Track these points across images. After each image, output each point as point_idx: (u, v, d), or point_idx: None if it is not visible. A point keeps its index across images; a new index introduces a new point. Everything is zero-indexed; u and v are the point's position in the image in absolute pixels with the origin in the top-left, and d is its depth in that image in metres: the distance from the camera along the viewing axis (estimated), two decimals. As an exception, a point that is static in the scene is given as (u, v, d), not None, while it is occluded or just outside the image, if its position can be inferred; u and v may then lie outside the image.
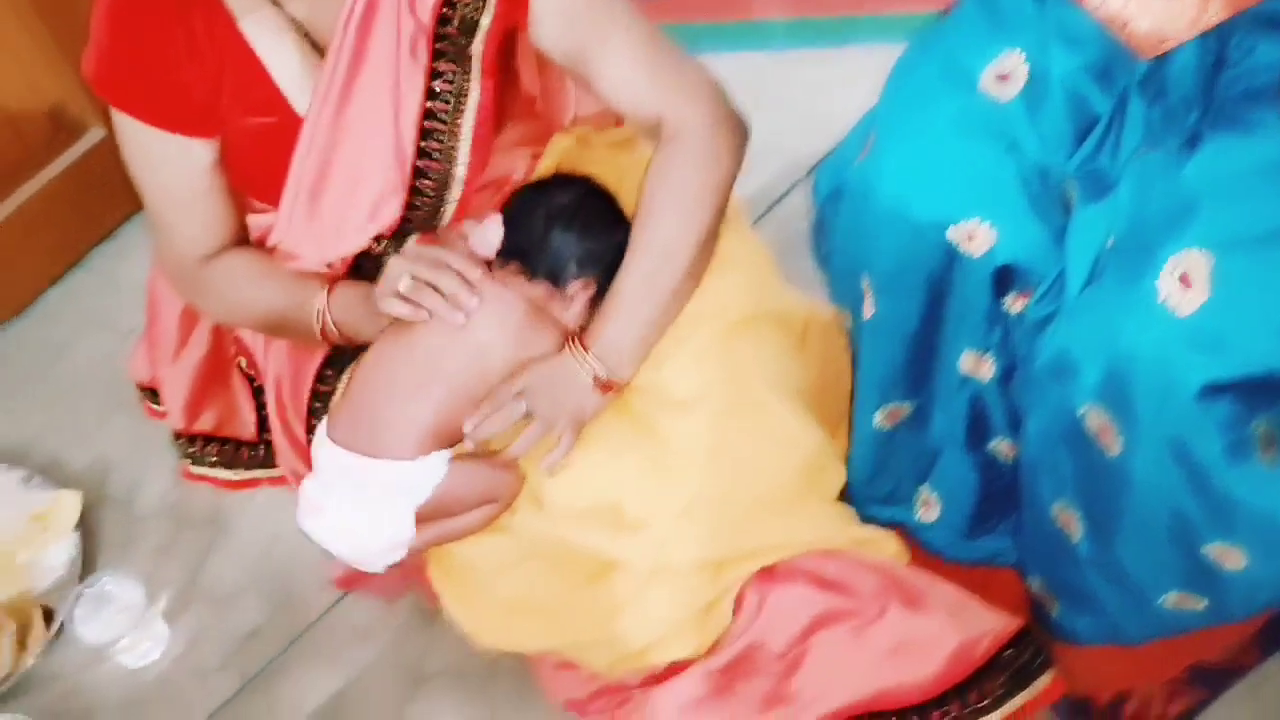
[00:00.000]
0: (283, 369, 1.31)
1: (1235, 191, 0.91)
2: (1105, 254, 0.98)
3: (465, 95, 1.16)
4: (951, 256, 1.06)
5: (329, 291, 1.18)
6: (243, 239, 1.27)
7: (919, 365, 1.16)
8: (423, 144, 1.16)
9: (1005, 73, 1.04)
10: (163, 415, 1.59)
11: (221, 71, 1.14)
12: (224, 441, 1.53)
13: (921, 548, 1.32)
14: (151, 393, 1.60)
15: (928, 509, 1.27)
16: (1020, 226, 1.02)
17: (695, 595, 1.15)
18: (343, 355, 1.27)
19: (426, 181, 1.19)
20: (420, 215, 1.21)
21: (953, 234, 1.04)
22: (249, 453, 1.53)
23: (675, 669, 1.18)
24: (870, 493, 1.29)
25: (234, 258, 1.24)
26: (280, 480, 1.53)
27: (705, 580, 1.16)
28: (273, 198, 1.22)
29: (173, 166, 1.18)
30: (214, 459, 1.53)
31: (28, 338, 1.75)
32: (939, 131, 1.05)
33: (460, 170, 1.18)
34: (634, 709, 1.20)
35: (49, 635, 1.44)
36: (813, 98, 1.86)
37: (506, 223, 1.15)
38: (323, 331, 1.19)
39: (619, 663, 1.20)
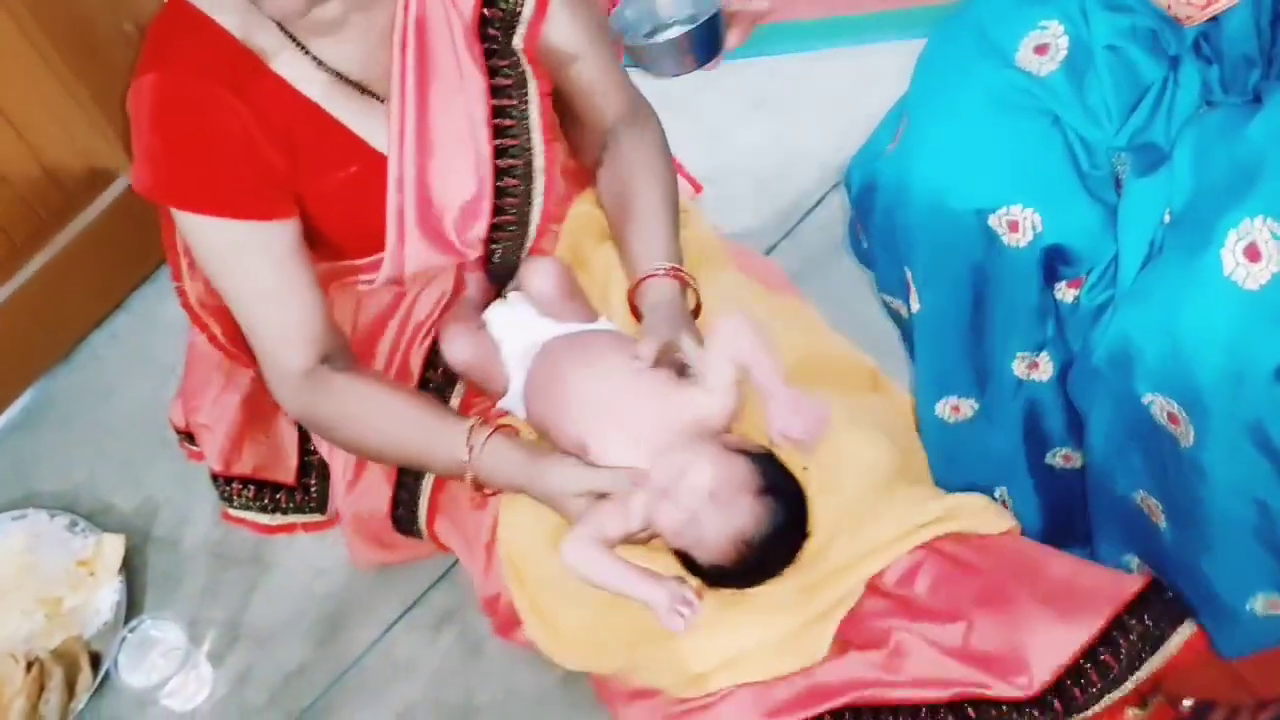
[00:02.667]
0: None
1: (1304, 151, 0.84)
2: (1162, 230, 0.91)
3: (525, 85, 1.23)
4: (995, 246, 1.00)
5: (471, 444, 1.18)
6: (345, 347, 1.25)
7: (973, 360, 1.09)
8: (498, 142, 1.23)
9: (1043, 44, 0.98)
10: (202, 457, 1.58)
11: (293, 137, 1.15)
12: (261, 485, 1.51)
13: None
14: (190, 436, 1.59)
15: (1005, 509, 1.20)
16: (1068, 208, 0.95)
17: (774, 620, 1.14)
18: None
19: (510, 180, 1.25)
20: (509, 227, 1.27)
21: (994, 222, 0.98)
22: (286, 497, 1.51)
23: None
24: (950, 485, 1.22)
25: (355, 385, 1.21)
26: (318, 526, 1.51)
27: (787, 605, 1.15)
28: (371, 244, 1.26)
29: (256, 258, 1.17)
30: (252, 503, 1.51)
31: (73, 383, 1.76)
32: (974, 112, 0.99)
33: (538, 161, 1.25)
34: None
35: (96, 681, 1.42)
36: (845, 100, 1.80)
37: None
38: (471, 482, 1.19)
39: (689, 684, 1.17)
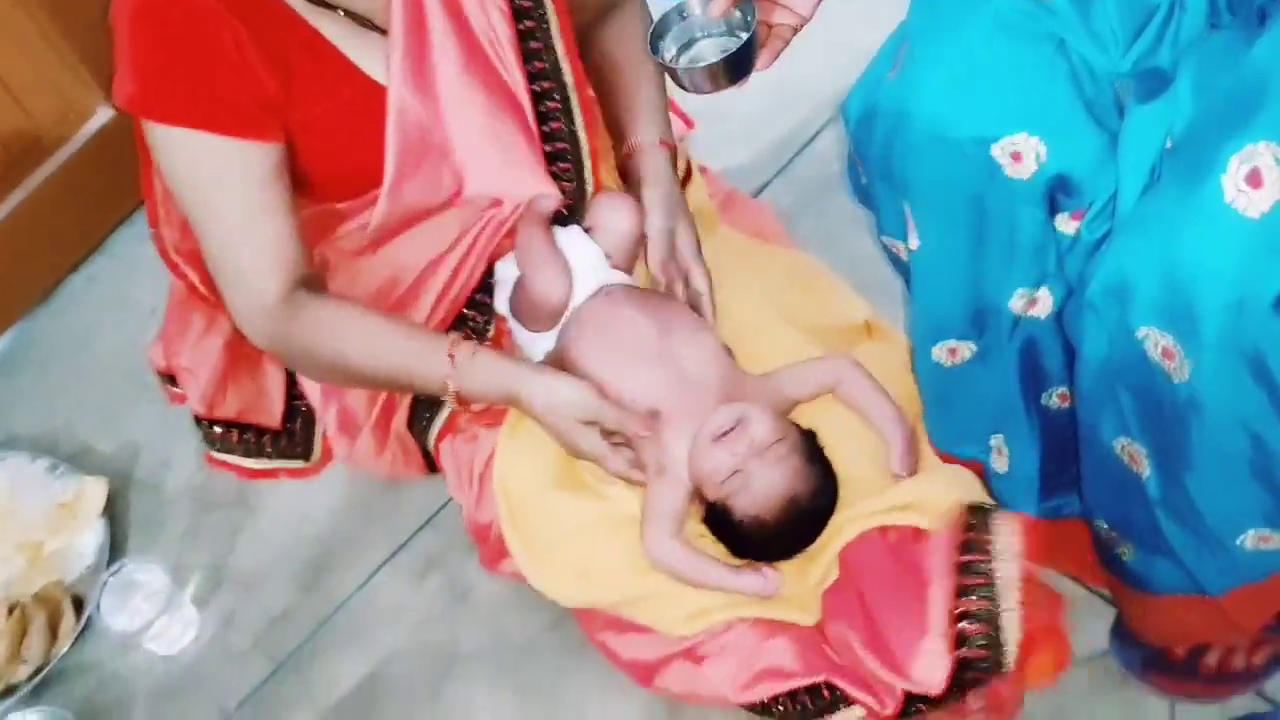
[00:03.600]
0: None
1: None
2: (1163, 157, 0.87)
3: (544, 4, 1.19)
4: (996, 178, 0.96)
5: (453, 354, 1.14)
6: (319, 280, 1.19)
7: (971, 299, 1.06)
8: (528, 66, 1.19)
9: (1046, -35, 0.93)
10: (184, 399, 1.55)
11: (288, 60, 1.10)
12: (245, 428, 1.49)
13: (994, 496, 1.24)
14: (171, 379, 1.57)
15: (1000, 458, 1.18)
16: (1073, 136, 0.92)
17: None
18: None
19: (550, 104, 1.20)
20: (564, 159, 1.23)
21: (997, 152, 0.94)
22: (271, 441, 1.49)
23: (763, 628, 1.16)
24: (944, 432, 1.21)
25: (332, 308, 1.16)
26: (302, 472, 1.49)
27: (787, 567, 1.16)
28: (358, 183, 1.21)
29: (232, 179, 1.10)
30: (235, 446, 1.49)
31: (52, 326, 1.73)
32: (978, 37, 0.95)
33: (569, 78, 1.21)
34: (694, 676, 1.17)
35: (79, 625, 1.41)
36: (841, 32, 1.75)
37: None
38: (454, 397, 1.16)
39: (688, 620, 1.18)
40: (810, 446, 1.20)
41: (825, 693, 1.13)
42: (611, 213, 1.33)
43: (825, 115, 1.72)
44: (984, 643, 1.05)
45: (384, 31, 1.15)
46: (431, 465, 1.42)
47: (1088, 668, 1.24)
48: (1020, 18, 0.94)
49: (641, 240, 1.35)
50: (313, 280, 1.19)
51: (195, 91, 1.07)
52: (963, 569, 1.09)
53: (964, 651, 1.06)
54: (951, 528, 1.12)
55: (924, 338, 1.15)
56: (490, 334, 1.30)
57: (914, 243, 1.07)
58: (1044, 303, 1.04)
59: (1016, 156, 0.94)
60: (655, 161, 1.26)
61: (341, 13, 1.13)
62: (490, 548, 1.34)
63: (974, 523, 1.12)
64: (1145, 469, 0.96)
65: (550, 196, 1.26)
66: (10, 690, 1.38)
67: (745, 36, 1.06)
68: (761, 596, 1.19)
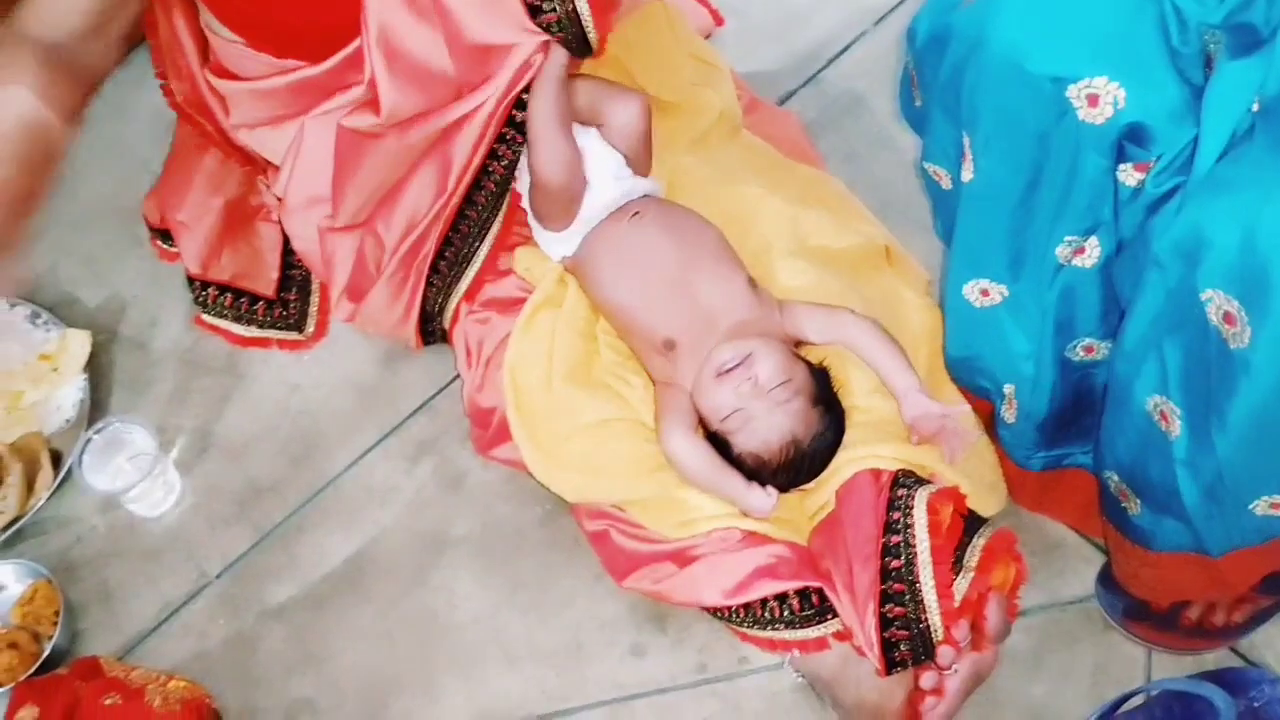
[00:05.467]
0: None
1: None
2: (1250, 118, 0.85)
3: None
4: (1067, 119, 0.94)
5: None
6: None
7: (1018, 241, 1.04)
8: None
9: (1149, -98, 0.89)
10: (175, 257, 1.50)
11: None
12: (239, 293, 1.45)
13: (997, 441, 1.24)
14: (164, 234, 1.52)
15: (1009, 408, 1.18)
16: (1154, 85, 0.89)
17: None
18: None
19: None
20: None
21: (1073, 93, 0.91)
22: (265, 309, 1.45)
23: (753, 539, 1.19)
24: (962, 367, 1.21)
25: None
26: (294, 345, 1.47)
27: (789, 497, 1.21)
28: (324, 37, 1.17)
29: None
30: (227, 310, 1.45)
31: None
32: (1067, -29, 0.91)
33: None
34: (678, 577, 1.20)
35: (57, 479, 1.37)
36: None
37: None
38: None
39: (686, 525, 1.21)
40: (818, 388, 1.20)
41: (815, 599, 1.15)
42: (623, 111, 1.29)
43: (859, 24, 1.66)
44: (903, 625, 1.10)
45: None
46: (427, 337, 1.40)
47: (1071, 611, 1.26)
48: (1113, -44, 0.90)
49: (649, 143, 1.31)
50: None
51: None
52: (886, 550, 1.12)
53: (890, 633, 1.10)
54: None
55: (959, 272, 1.13)
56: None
57: (967, 174, 1.05)
58: (1092, 253, 1.02)
59: (1093, 100, 0.92)
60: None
61: None
62: (488, 433, 1.34)
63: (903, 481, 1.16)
64: (1176, 429, 0.96)
65: (558, 57, 1.19)
66: (-17, 539, 1.34)
67: None
68: (759, 515, 1.20)
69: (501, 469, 1.36)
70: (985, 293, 1.12)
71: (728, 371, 1.18)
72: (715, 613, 1.21)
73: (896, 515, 1.12)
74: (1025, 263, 1.07)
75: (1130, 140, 0.93)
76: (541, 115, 1.21)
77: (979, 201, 1.04)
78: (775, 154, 1.48)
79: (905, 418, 1.20)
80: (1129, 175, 0.95)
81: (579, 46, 1.18)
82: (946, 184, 1.14)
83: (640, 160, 1.32)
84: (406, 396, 1.45)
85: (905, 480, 1.15)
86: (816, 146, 1.55)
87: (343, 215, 1.30)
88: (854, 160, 1.56)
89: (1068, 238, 1.02)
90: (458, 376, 1.42)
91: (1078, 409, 1.17)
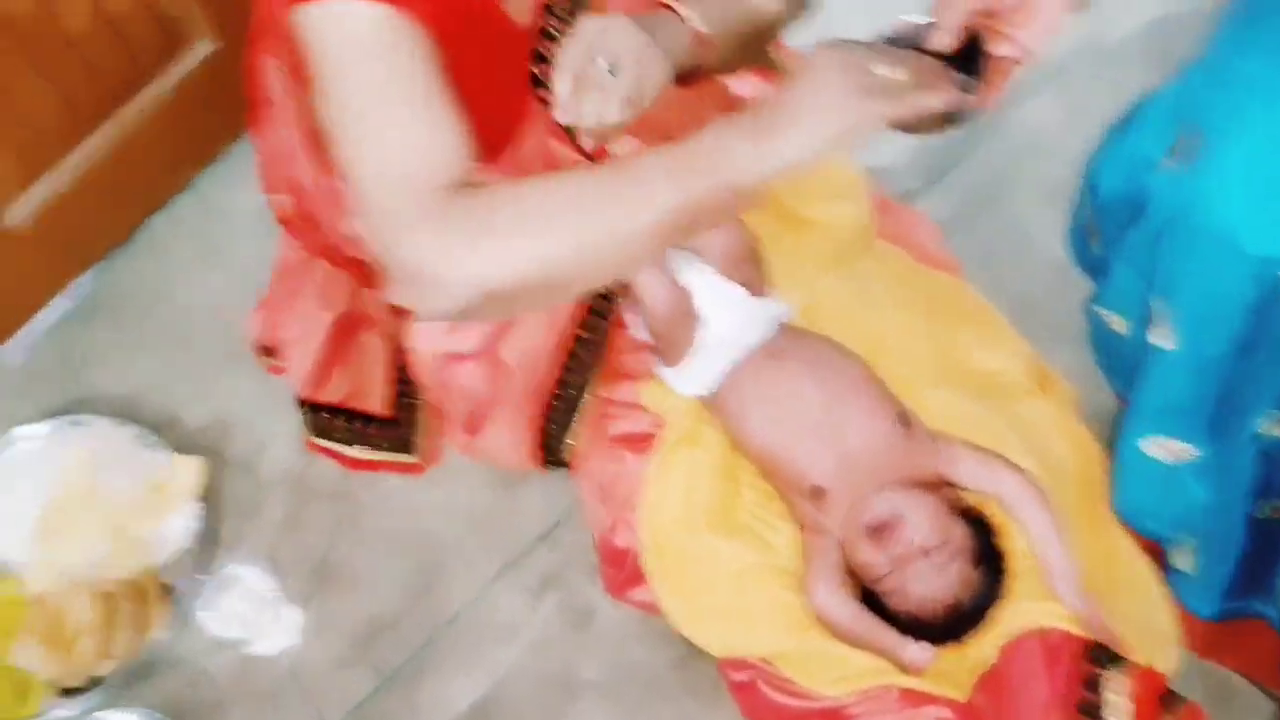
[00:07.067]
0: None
1: None
2: None
3: None
4: (1280, 296, 0.87)
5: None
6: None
7: (1218, 409, 0.97)
8: None
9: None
10: (284, 371, 1.45)
11: None
12: (351, 415, 1.39)
13: (1171, 589, 1.17)
14: (269, 351, 1.46)
15: (1183, 557, 1.11)
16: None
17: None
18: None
19: None
20: None
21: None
22: (377, 429, 1.39)
23: (912, 698, 1.11)
24: (1132, 510, 1.13)
25: (508, 180, 0.87)
26: (408, 468, 1.40)
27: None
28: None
29: (404, 57, 0.88)
30: (338, 433, 1.39)
31: (132, 271, 1.59)
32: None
33: None
34: None
35: (169, 618, 1.32)
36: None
37: None
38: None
39: (840, 681, 1.14)
40: (979, 545, 1.13)
41: None
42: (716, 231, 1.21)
43: (994, 119, 1.59)
44: None
45: None
46: (550, 461, 1.34)
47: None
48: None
49: (754, 251, 1.23)
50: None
51: None
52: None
53: None
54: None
55: (1141, 427, 1.06)
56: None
57: (1163, 340, 0.98)
58: (1288, 423, 0.95)
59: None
60: None
61: None
62: (622, 574, 1.27)
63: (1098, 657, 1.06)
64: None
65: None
66: (96, 682, 1.29)
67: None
68: (915, 672, 1.13)
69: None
70: (1171, 451, 1.05)
71: (878, 531, 1.12)
72: None
73: (1092, 696, 1.04)
74: (1223, 429, 1.00)
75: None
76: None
77: (1180, 370, 0.97)
78: (911, 263, 1.40)
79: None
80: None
81: None
82: (1121, 330, 1.07)
83: (754, 281, 1.24)
84: (526, 524, 1.39)
85: (1098, 655, 1.07)
86: (950, 249, 1.47)
87: (470, 341, 1.25)
88: (990, 264, 1.48)
89: (1268, 412, 0.94)
90: (579, 504, 1.36)
91: (1262, 563, 1.10)
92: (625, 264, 0.90)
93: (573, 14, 1.04)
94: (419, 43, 0.92)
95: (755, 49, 1.12)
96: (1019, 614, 1.13)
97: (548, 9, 1.04)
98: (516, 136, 1.09)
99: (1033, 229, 1.49)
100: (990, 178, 1.55)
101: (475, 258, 0.82)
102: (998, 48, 0.89)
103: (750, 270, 1.23)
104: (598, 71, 0.94)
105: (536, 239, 0.83)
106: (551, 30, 1.04)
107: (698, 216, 0.85)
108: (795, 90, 0.84)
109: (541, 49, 1.02)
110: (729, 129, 0.84)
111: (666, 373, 1.26)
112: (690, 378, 1.24)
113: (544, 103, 1.03)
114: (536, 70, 1.04)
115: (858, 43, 0.86)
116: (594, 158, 1.07)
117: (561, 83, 0.95)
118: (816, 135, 0.84)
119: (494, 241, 0.83)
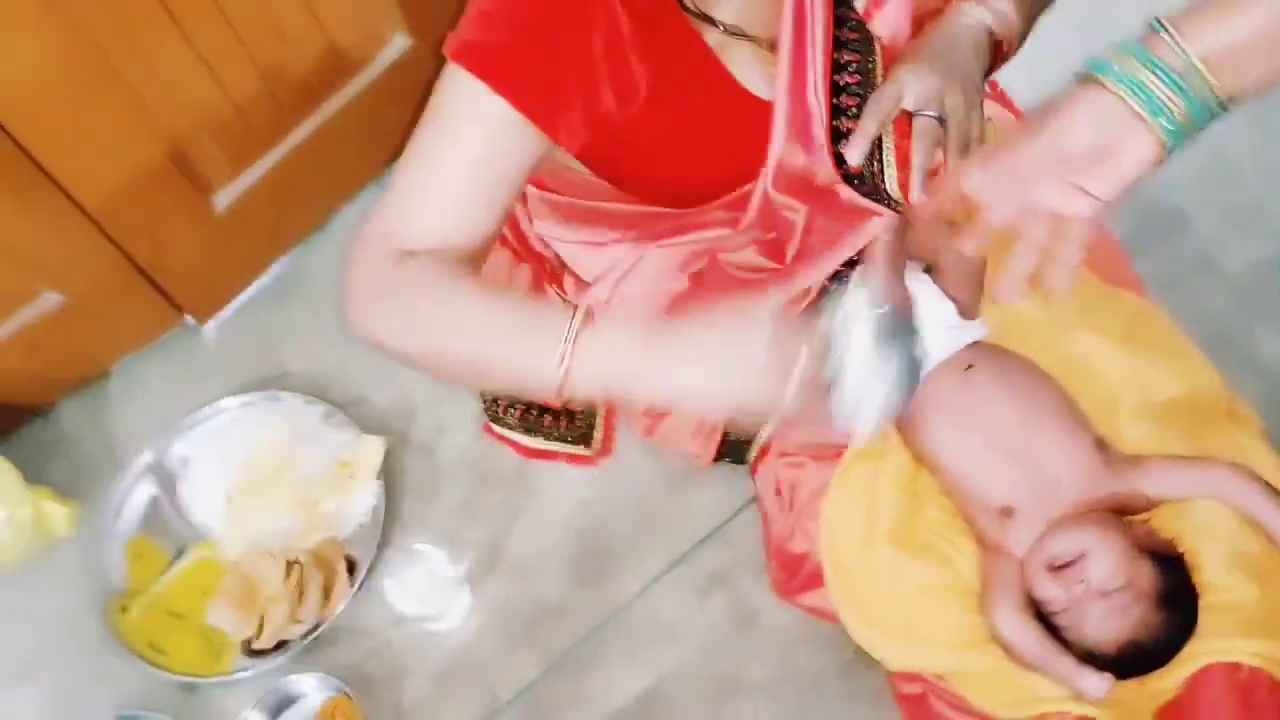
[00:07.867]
0: None
1: None
2: None
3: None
4: None
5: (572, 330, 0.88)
6: (477, 261, 1.00)
7: None
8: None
9: None
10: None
11: (669, 55, 1.04)
12: (528, 405, 1.44)
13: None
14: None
15: None
16: None
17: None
18: None
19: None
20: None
21: None
22: (552, 420, 1.43)
23: None
24: None
25: (451, 272, 0.93)
26: (581, 460, 1.44)
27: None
28: (694, 194, 1.16)
29: (494, 145, 0.97)
30: (516, 422, 1.43)
31: (326, 257, 1.66)
32: None
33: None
34: None
35: (353, 589, 1.38)
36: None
37: None
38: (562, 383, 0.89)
39: (1014, 705, 1.13)
40: (1166, 586, 1.11)
41: None
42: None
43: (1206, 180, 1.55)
44: None
45: (752, 39, 1.09)
46: (730, 457, 1.36)
47: None
48: None
49: (981, 273, 1.24)
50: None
51: (524, 64, 0.96)
52: None
53: None
54: None
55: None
56: None
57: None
58: None
59: None
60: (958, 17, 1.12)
61: (722, 28, 1.07)
62: (796, 579, 1.29)
63: None
64: None
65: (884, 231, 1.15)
66: (282, 646, 1.37)
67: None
68: (1092, 701, 1.12)
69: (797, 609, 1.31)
70: None
71: (1059, 568, 1.11)
72: None
73: None
74: None
75: None
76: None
77: None
78: (1099, 283, 1.38)
79: None
80: None
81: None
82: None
83: (972, 305, 1.24)
84: (695, 521, 1.41)
85: None
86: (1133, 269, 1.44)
87: None
88: (1175, 287, 1.44)
89: None
90: (747, 505, 1.38)
91: None
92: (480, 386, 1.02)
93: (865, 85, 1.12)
94: (528, 148, 0.98)
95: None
96: (1209, 653, 1.11)
97: (837, 87, 1.12)
98: (745, 196, 1.16)
99: (1219, 251, 1.44)
100: (1178, 193, 1.51)
101: (364, 317, 0.94)
102: None
103: (970, 291, 1.23)
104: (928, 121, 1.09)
105: (406, 335, 0.93)
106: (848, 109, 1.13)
107: (527, 387, 0.92)
108: (718, 329, 0.88)
109: (838, 125, 1.12)
110: (636, 331, 0.89)
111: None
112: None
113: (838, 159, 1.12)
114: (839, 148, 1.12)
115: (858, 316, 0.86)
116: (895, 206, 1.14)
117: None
118: (696, 387, 0.87)
119: (380, 313, 0.94)
